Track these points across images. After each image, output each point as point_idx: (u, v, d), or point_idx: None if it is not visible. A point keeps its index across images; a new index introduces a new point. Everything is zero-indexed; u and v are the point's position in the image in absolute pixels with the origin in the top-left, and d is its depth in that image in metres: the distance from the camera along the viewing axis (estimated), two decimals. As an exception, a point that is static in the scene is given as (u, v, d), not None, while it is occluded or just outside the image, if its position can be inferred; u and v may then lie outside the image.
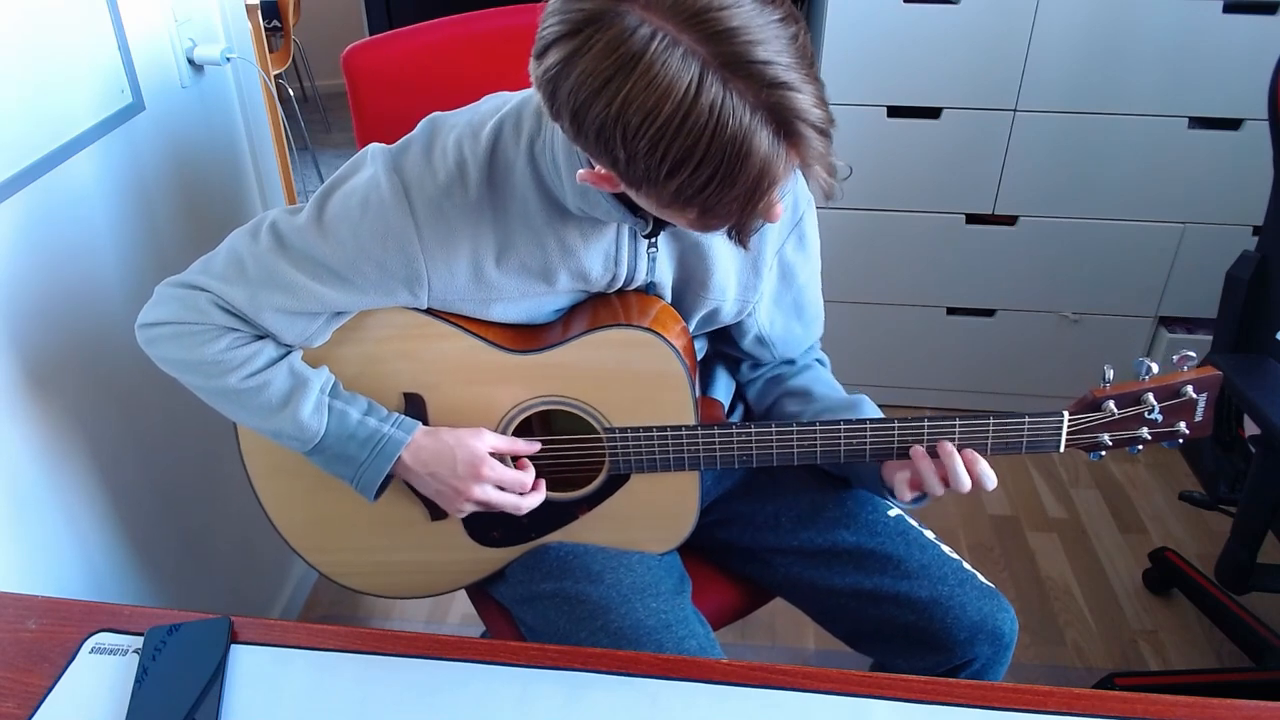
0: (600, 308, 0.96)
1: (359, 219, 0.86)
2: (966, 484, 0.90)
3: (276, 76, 3.77)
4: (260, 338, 0.92)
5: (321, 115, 4.56)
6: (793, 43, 0.66)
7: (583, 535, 1.04)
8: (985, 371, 2.26)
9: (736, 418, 1.19)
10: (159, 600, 1.33)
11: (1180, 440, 0.94)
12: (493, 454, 0.95)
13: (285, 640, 0.82)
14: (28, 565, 1.08)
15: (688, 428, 0.96)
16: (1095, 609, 1.80)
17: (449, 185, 0.86)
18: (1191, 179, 1.95)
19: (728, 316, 1.03)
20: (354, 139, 1.21)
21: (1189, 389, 0.92)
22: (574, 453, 1.02)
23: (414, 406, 0.98)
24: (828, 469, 1.10)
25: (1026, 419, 0.92)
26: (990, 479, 0.91)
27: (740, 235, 0.76)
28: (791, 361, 1.14)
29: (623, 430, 0.97)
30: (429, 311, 0.94)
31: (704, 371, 1.15)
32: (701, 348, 1.11)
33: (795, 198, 1.00)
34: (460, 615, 1.80)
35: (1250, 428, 1.40)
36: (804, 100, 0.66)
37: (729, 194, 0.69)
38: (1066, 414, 0.93)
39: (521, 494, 0.96)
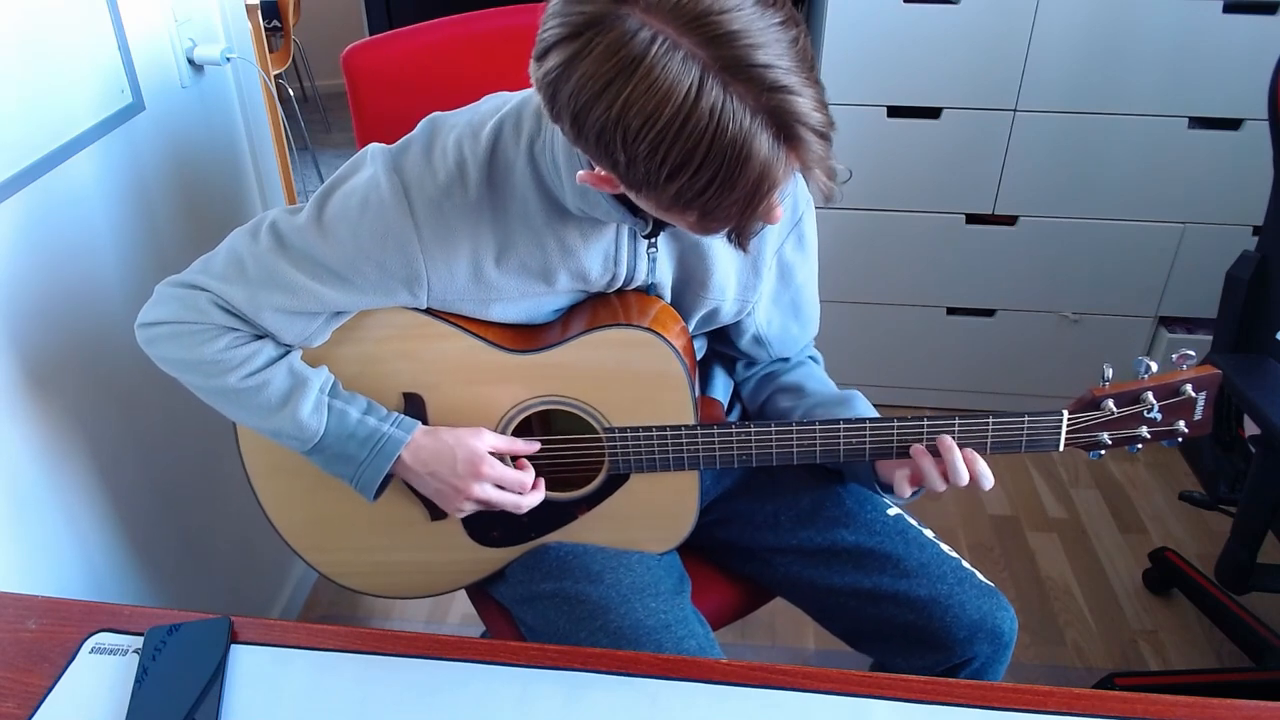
0: (600, 308, 0.96)
1: (359, 219, 0.86)
2: (965, 477, 0.90)
3: (276, 76, 3.77)
4: (259, 337, 0.92)
5: (321, 115, 4.56)
6: (793, 46, 0.66)
7: (582, 535, 1.04)
8: (985, 371, 2.26)
9: (734, 417, 1.19)
10: (159, 600, 1.33)
11: (1179, 439, 0.94)
12: (492, 453, 0.95)
13: (285, 640, 0.82)
14: (28, 565, 1.08)
15: (687, 427, 0.96)
16: (1095, 609, 1.80)
17: (449, 185, 0.87)
18: (1191, 179, 1.95)
19: (727, 316, 1.03)
20: (354, 139, 1.21)
21: (1188, 388, 0.92)
22: (573, 452, 1.02)
23: (413, 406, 0.98)
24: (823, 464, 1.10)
25: (1026, 418, 0.92)
26: (988, 479, 0.91)
27: (740, 238, 0.76)
28: (785, 359, 1.14)
29: (622, 430, 0.97)
30: (428, 311, 0.94)
31: (702, 371, 1.15)
32: (701, 347, 1.11)
33: (795, 198, 1.00)
34: (460, 615, 1.80)
35: (1250, 428, 1.40)
36: (804, 104, 0.66)
37: (729, 197, 0.69)
38: (1066, 413, 0.93)
39: (521, 493, 0.96)
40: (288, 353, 0.93)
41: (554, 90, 0.69)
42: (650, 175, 0.69)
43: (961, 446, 0.92)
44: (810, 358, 1.16)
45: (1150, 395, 0.92)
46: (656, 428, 0.96)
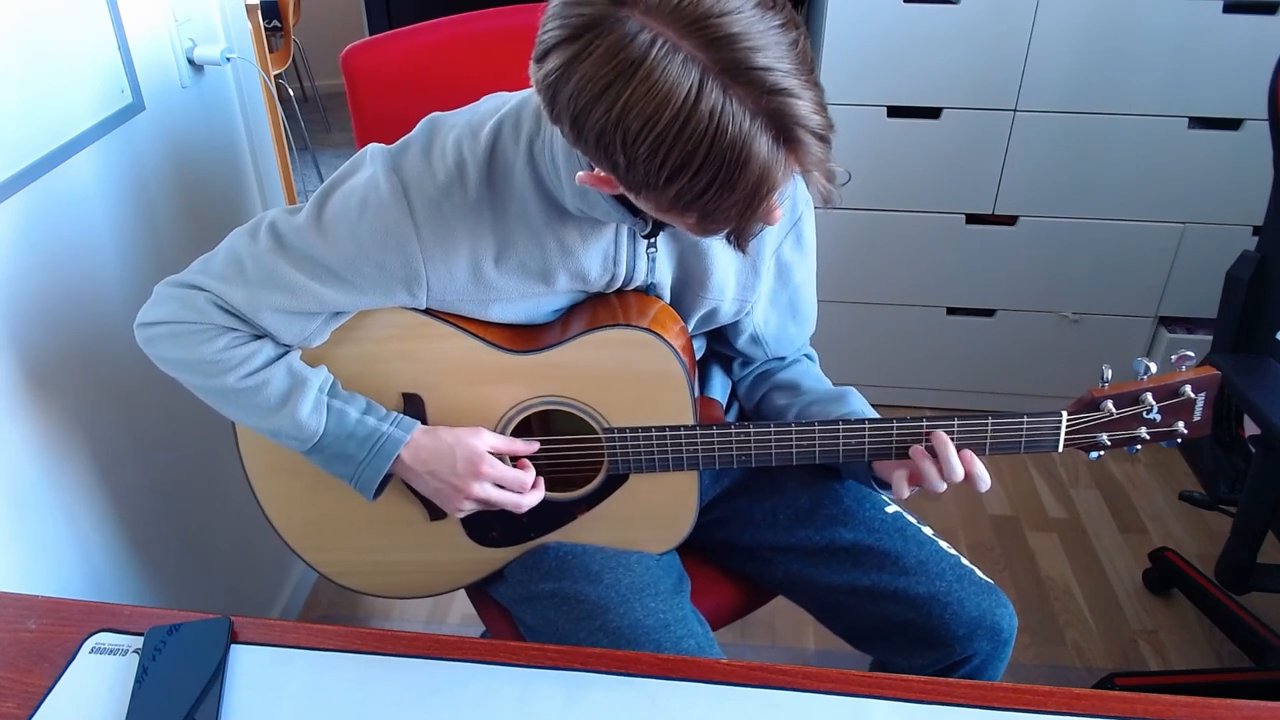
0: (599, 308, 0.96)
1: (358, 219, 0.86)
2: (959, 473, 0.91)
3: (276, 76, 3.77)
4: (259, 337, 0.92)
5: (321, 115, 4.56)
6: (792, 49, 0.66)
7: (581, 535, 1.04)
8: (985, 371, 2.26)
9: (732, 416, 1.19)
10: (159, 600, 1.33)
11: (1179, 440, 0.94)
12: (491, 453, 0.95)
13: (285, 640, 0.82)
14: (28, 565, 1.08)
15: (686, 428, 0.96)
16: (1095, 609, 1.80)
17: (448, 185, 0.87)
18: (1191, 179, 1.95)
19: (726, 316, 1.03)
20: (354, 139, 1.21)
21: (1187, 389, 0.92)
22: (573, 453, 1.02)
23: (413, 406, 0.98)
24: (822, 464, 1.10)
25: (1025, 419, 0.92)
26: (985, 481, 0.91)
27: (739, 239, 0.76)
28: (781, 358, 1.14)
29: (621, 430, 0.97)
30: (428, 312, 0.94)
31: (701, 371, 1.15)
32: (700, 347, 1.11)
33: (794, 198, 1.00)
34: (460, 615, 1.80)
35: (1250, 428, 1.40)
36: (803, 106, 0.66)
37: (728, 199, 0.69)
38: (1065, 414, 0.93)
39: (521, 492, 0.96)
40: (287, 353, 0.93)
41: (554, 92, 0.69)
42: (650, 177, 0.69)
43: (960, 447, 0.92)
44: (805, 355, 1.16)
45: (1149, 396, 0.92)
46: (656, 428, 0.96)
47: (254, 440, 1.00)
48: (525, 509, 0.97)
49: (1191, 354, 0.92)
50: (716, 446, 0.97)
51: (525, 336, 0.97)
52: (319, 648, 0.81)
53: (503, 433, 0.99)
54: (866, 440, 0.95)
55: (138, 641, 0.81)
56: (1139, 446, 0.95)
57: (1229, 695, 0.79)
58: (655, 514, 1.03)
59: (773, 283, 1.05)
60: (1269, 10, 1.78)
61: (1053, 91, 1.89)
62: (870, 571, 1.02)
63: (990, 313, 2.18)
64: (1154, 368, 0.91)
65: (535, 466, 0.99)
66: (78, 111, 1.12)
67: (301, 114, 4.27)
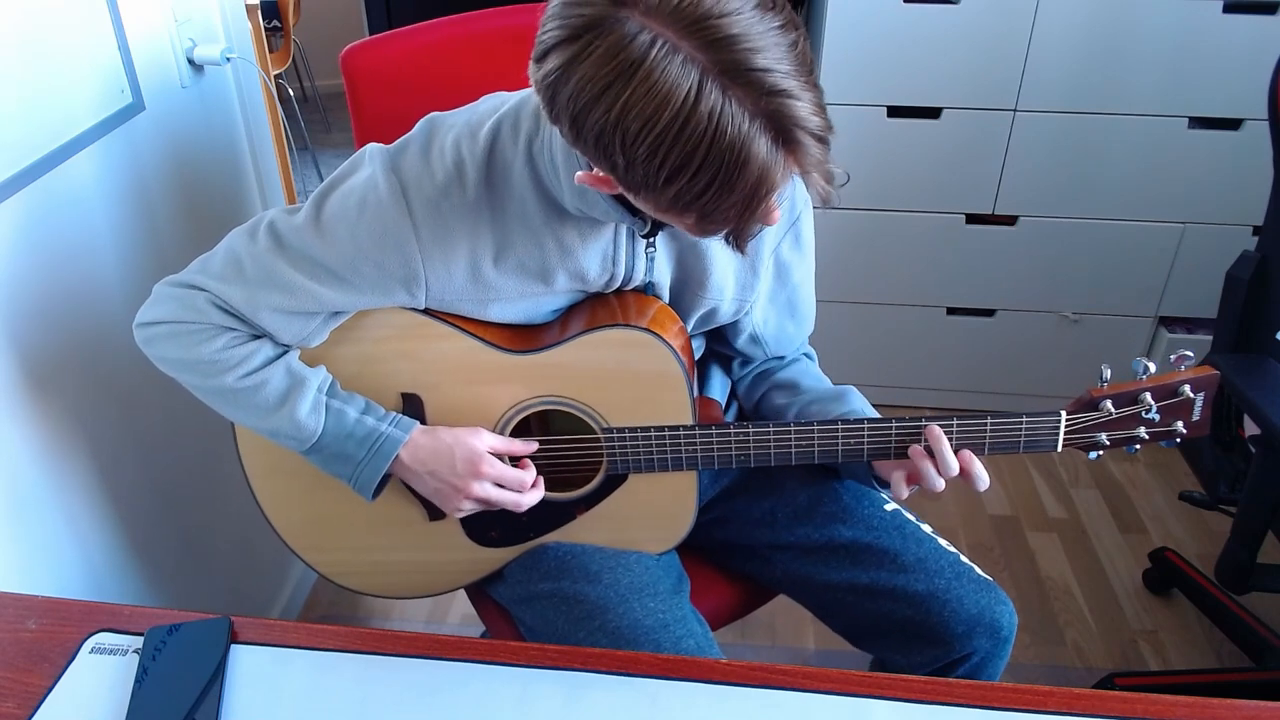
0: (598, 308, 0.96)
1: (356, 219, 0.86)
2: (954, 469, 0.91)
3: (276, 76, 3.77)
4: (258, 337, 0.92)
5: (321, 115, 4.56)
6: (792, 50, 0.67)
7: (581, 535, 1.04)
8: (985, 371, 2.26)
9: (732, 416, 1.19)
10: (159, 600, 1.33)
11: (1178, 440, 0.94)
12: (490, 453, 0.95)
13: (285, 640, 0.82)
14: (28, 565, 1.08)
15: (685, 428, 0.96)
16: (1095, 609, 1.80)
17: (447, 185, 0.87)
18: (1191, 179, 1.95)
19: (725, 316, 1.03)
20: (354, 139, 1.21)
21: (1186, 388, 0.92)
22: (572, 453, 1.02)
23: (412, 406, 0.98)
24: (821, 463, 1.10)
25: (1024, 419, 0.92)
26: (983, 480, 0.91)
27: (738, 240, 0.76)
28: (780, 357, 1.14)
29: (620, 430, 0.97)
30: (427, 312, 0.94)
31: (700, 371, 1.15)
32: (699, 347, 1.11)
33: (792, 198, 1.00)
34: (460, 615, 1.80)
35: (1250, 428, 1.40)
36: (802, 108, 0.67)
37: (727, 200, 0.69)
38: (1064, 414, 0.93)
39: (521, 491, 0.96)
40: (286, 352, 0.93)
41: (553, 92, 0.69)
42: (649, 178, 0.69)
43: (959, 447, 0.92)
44: (805, 354, 1.16)
45: (1148, 396, 0.92)
46: (655, 428, 0.96)
47: (253, 440, 1.00)
48: (525, 508, 0.97)
49: (1190, 354, 0.92)
50: (715, 446, 0.97)
51: (524, 336, 0.97)
52: (319, 648, 0.81)
53: (502, 433, 0.99)
54: (865, 440, 0.95)
55: (138, 641, 0.81)
56: (1138, 446, 0.95)
57: (1229, 695, 0.79)
58: (654, 514, 1.03)
59: (771, 282, 1.05)
60: (1269, 10, 1.77)
61: (1053, 91, 1.89)
62: (869, 569, 1.02)
63: (990, 313, 2.18)
64: (1153, 367, 0.91)
65: (534, 466, 0.99)
66: (78, 111, 1.12)
67: (301, 114, 4.27)
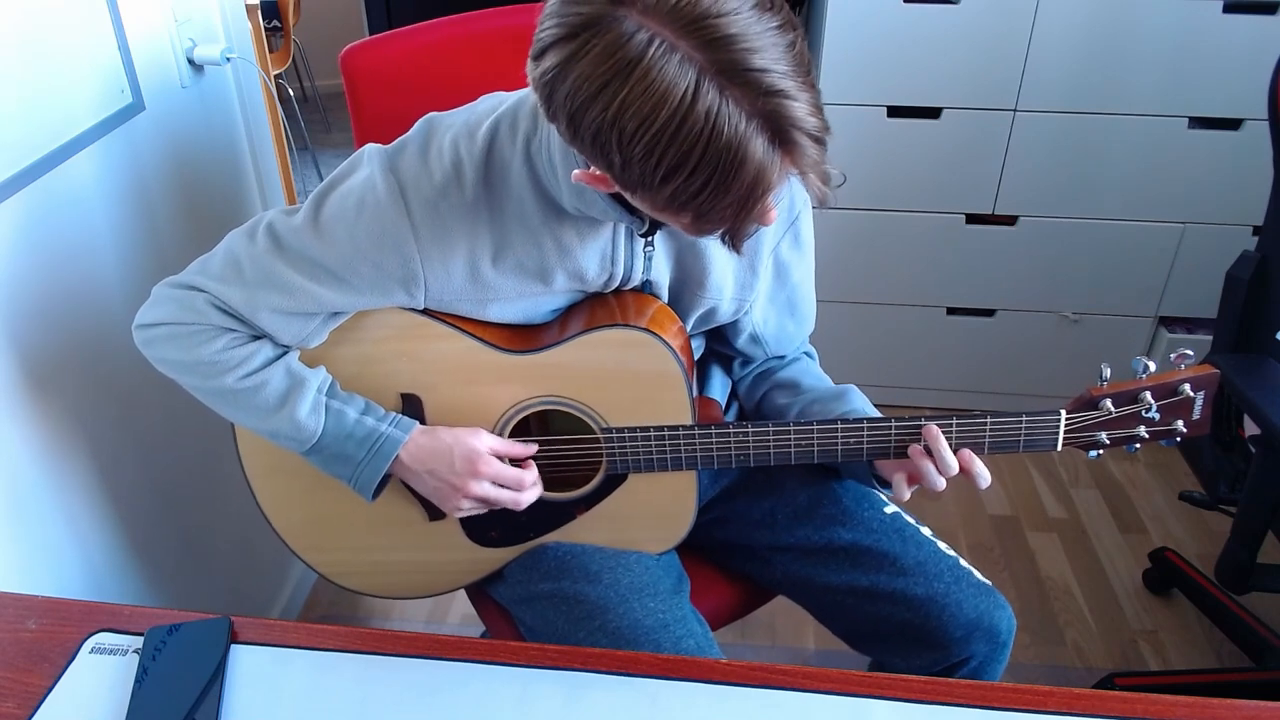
0: (597, 308, 0.96)
1: (355, 219, 0.87)
2: (954, 468, 0.90)
3: (276, 76, 3.77)
4: (257, 338, 0.92)
5: (321, 115, 4.56)
6: (789, 50, 0.67)
7: (580, 535, 1.04)
8: (985, 371, 2.26)
9: (732, 416, 1.19)
10: (159, 600, 1.33)
11: (1178, 439, 0.94)
12: (492, 454, 0.95)
13: (285, 640, 0.82)
14: (28, 565, 1.08)
15: (685, 427, 0.96)
16: (1095, 609, 1.80)
17: (445, 185, 0.87)
18: (1191, 179, 1.95)
19: (724, 315, 1.03)
20: (353, 139, 1.21)
21: (1186, 387, 0.92)
22: (571, 453, 1.02)
23: (411, 407, 0.98)
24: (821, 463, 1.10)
25: (1024, 418, 0.92)
26: (985, 478, 0.91)
27: (734, 240, 0.76)
28: (781, 356, 1.14)
29: (620, 430, 0.97)
30: (426, 312, 0.94)
31: (700, 371, 1.15)
32: (699, 347, 1.11)
33: (791, 197, 1.00)
34: (460, 615, 1.80)
35: (1250, 428, 1.40)
36: (799, 108, 0.67)
37: (723, 200, 0.69)
38: (1064, 413, 0.93)
39: (519, 490, 0.96)
40: (285, 353, 0.93)
41: (550, 90, 0.69)
42: (645, 177, 0.69)
43: (959, 446, 0.92)
44: (805, 354, 1.16)
45: (1148, 395, 0.92)
46: (654, 428, 0.96)
47: (253, 441, 1.00)
48: (523, 507, 0.97)
49: (1190, 353, 0.92)
50: (715, 446, 0.97)
51: (523, 336, 0.97)
52: (319, 648, 0.81)
53: (501, 432, 0.99)
54: (865, 439, 0.95)
55: (138, 641, 0.81)
56: (1138, 445, 0.95)
57: (1229, 695, 0.79)
58: (654, 514, 1.03)
59: (771, 282, 1.05)
60: (1269, 10, 1.77)
61: (1053, 91, 1.89)
62: (868, 572, 1.02)
63: (990, 313, 2.18)
64: (1153, 366, 0.91)
65: (535, 466, 0.99)
66: (78, 111, 1.12)
67: (301, 114, 4.27)
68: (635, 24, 0.65)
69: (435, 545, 1.06)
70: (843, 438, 0.95)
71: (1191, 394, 0.92)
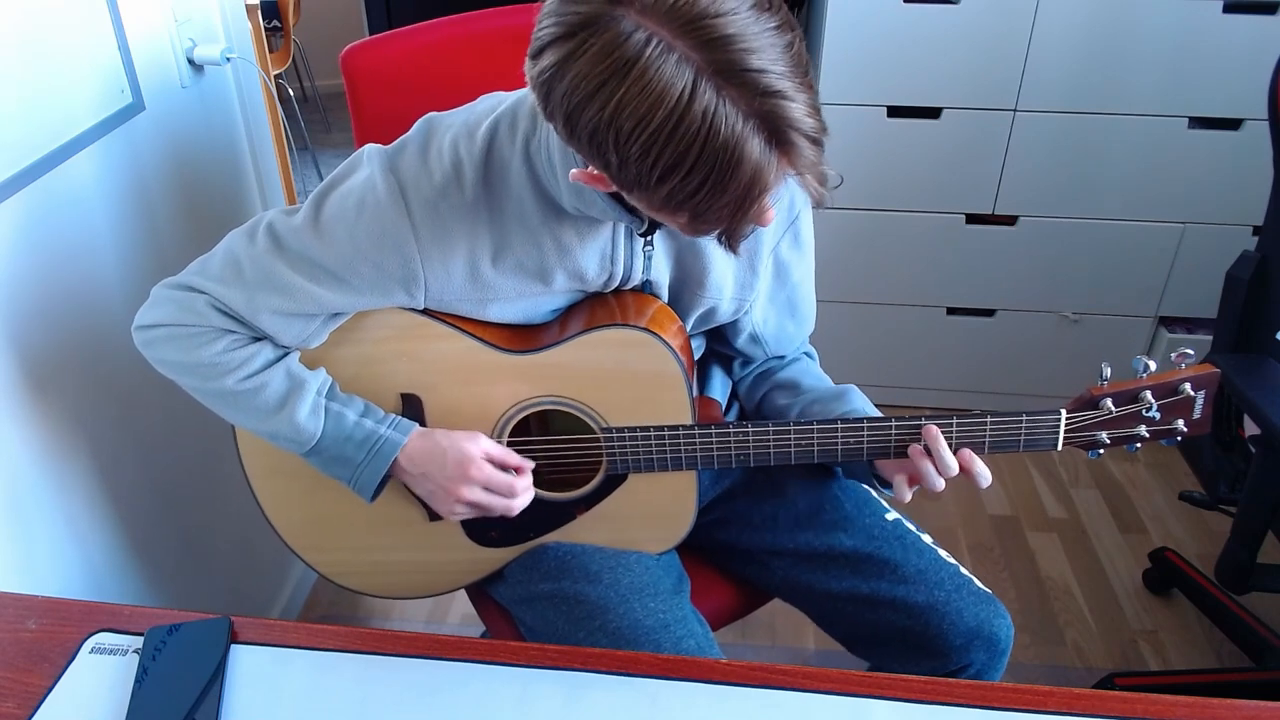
0: (597, 307, 0.96)
1: (355, 220, 0.86)
2: (954, 469, 0.90)
3: (276, 76, 3.77)
4: (257, 339, 0.92)
5: (321, 115, 4.56)
6: (787, 51, 0.66)
7: (581, 535, 1.04)
8: (985, 371, 2.26)
9: (733, 416, 1.19)
10: (159, 600, 1.33)
11: (1179, 438, 0.94)
12: (488, 459, 0.94)
13: (285, 640, 0.82)
14: (28, 565, 1.08)
15: (685, 427, 0.96)
16: (1095, 609, 1.80)
17: (445, 186, 0.87)
18: (1191, 179, 1.95)
19: (724, 315, 1.03)
20: (353, 139, 1.21)
21: (1187, 386, 0.92)
22: (571, 453, 1.02)
23: (411, 407, 0.98)
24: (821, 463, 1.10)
25: (1024, 417, 0.92)
26: (985, 478, 0.91)
27: (730, 240, 0.76)
28: (781, 356, 1.14)
29: (620, 430, 0.97)
30: (426, 312, 0.94)
31: (701, 371, 1.15)
32: (699, 347, 1.11)
33: (791, 197, 1.00)
34: (460, 615, 1.80)
35: (1250, 428, 1.40)
36: (796, 109, 0.66)
37: (719, 200, 0.69)
38: (1064, 412, 0.93)
39: (511, 497, 0.96)
40: (285, 355, 0.93)
41: (548, 89, 0.69)
42: (642, 176, 0.69)
43: (959, 446, 0.92)
44: (805, 354, 1.16)
45: (1149, 394, 0.91)
46: (654, 428, 0.96)
47: (253, 441, 1.00)
48: (514, 513, 0.97)
49: (1191, 352, 0.92)
50: (715, 446, 0.97)
51: (523, 336, 0.97)
52: (319, 648, 0.81)
53: (501, 432, 0.99)
54: (865, 439, 0.95)
55: (138, 641, 0.81)
56: (1139, 445, 0.95)
57: (1229, 695, 0.79)
58: (654, 514, 1.03)
59: (771, 281, 1.05)
60: (1269, 10, 1.77)
61: (1053, 91, 1.89)
62: (869, 579, 1.02)
63: (990, 313, 2.18)
64: (1153, 366, 0.91)
65: (531, 470, 0.98)
66: (78, 111, 1.12)
67: (301, 114, 4.27)
68: (633, 23, 0.65)
69: (435, 545, 1.06)
70: (843, 437, 0.95)
71: (1192, 393, 0.92)
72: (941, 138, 1.96)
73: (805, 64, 0.68)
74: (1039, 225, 2.04)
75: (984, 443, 0.93)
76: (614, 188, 0.75)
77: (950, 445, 0.91)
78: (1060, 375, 2.23)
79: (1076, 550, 1.94)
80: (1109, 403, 0.92)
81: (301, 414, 0.90)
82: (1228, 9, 1.77)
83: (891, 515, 1.07)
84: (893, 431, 0.94)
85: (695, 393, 1.01)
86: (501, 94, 0.93)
